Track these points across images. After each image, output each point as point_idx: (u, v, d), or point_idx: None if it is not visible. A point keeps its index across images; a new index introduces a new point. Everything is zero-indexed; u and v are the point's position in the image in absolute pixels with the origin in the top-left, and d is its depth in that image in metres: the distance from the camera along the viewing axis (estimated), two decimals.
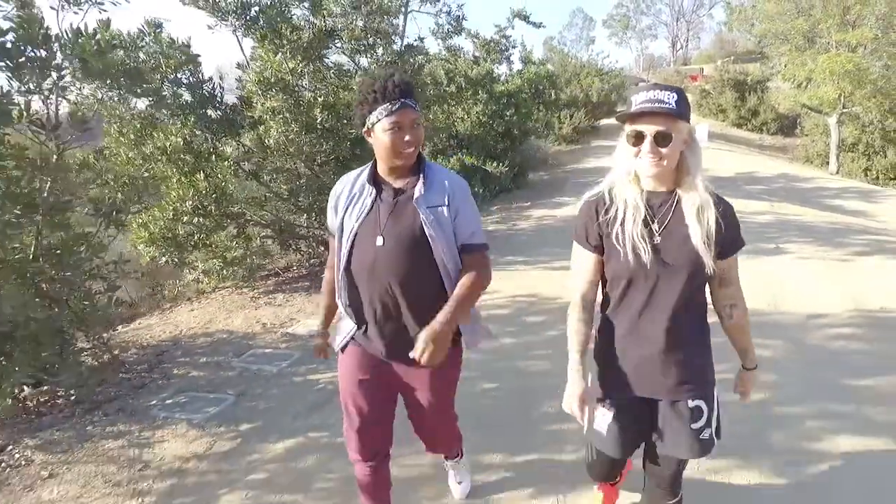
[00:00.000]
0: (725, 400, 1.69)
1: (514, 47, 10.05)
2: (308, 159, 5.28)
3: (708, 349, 1.60)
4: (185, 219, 4.78)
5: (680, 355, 1.53)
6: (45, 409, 3.06)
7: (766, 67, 24.11)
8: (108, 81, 2.79)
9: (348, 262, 1.71)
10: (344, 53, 5.25)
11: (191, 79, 4.95)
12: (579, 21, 53.90)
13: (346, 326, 1.79)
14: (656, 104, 1.40)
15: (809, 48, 15.99)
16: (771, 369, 3.27)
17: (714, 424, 1.60)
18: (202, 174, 4.58)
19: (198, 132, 4.86)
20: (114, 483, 2.47)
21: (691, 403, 1.56)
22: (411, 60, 5.45)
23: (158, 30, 3.65)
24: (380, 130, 1.60)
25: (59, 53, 2.52)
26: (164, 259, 4.81)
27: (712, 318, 1.61)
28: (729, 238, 1.49)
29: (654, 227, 1.49)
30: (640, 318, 1.53)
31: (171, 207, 4.65)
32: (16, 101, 2.43)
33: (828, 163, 17.81)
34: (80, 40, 2.50)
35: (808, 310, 4.32)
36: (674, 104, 1.40)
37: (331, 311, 1.94)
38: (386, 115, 1.58)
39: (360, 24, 5.09)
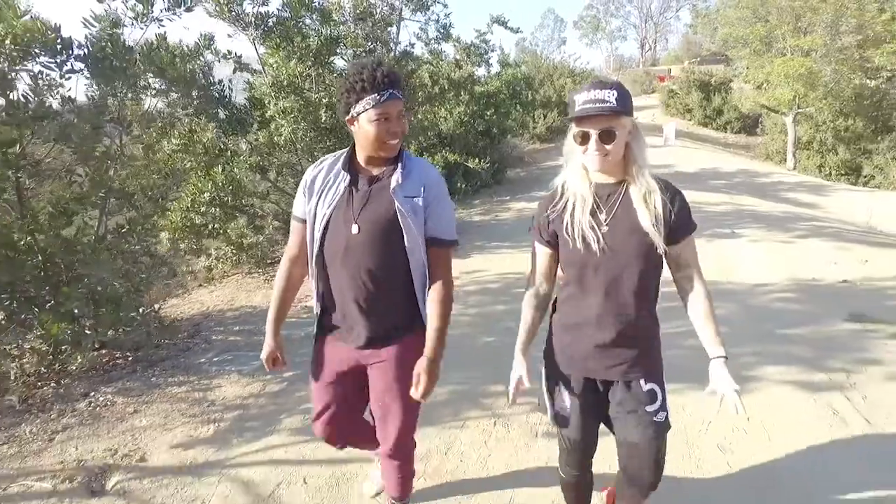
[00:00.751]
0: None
1: (492, 51, 10.73)
2: (312, 155, 5.86)
3: (657, 332, 1.67)
4: (203, 209, 5.31)
5: (632, 340, 1.59)
6: (110, 367, 3.60)
7: (729, 69, 25.46)
8: (179, 86, 3.33)
9: (321, 248, 1.71)
10: (344, 59, 5.84)
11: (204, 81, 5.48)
12: (550, 22, 55.41)
13: (316, 315, 1.82)
14: (598, 104, 1.45)
15: (767, 52, 17.21)
16: (723, 323, 4.02)
17: (667, 409, 1.65)
18: (220, 168, 5.11)
19: (213, 130, 5.40)
20: (189, 415, 3.04)
21: (646, 386, 1.62)
22: (405, 65, 6.09)
23: (211, 42, 4.19)
24: (365, 120, 1.58)
25: (139, 63, 3.06)
26: (182, 245, 5.33)
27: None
28: (679, 221, 1.54)
29: (602, 216, 1.55)
30: (593, 304, 1.59)
31: (189, 198, 5.18)
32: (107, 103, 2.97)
33: (786, 160, 19.11)
34: (152, 53, 3.05)
35: (755, 280, 5.12)
36: (614, 101, 1.46)
37: (282, 312, 1.86)
38: (373, 106, 1.56)
39: (361, 32, 5.72)
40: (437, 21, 6.73)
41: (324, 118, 5.68)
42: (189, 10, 3.43)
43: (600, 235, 1.53)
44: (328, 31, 5.18)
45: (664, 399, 1.64)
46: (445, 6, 6.88)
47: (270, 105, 5.36)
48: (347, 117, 1.63)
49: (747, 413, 2.75)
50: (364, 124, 1.59)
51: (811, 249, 6.23)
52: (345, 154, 1.73)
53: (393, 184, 1.64)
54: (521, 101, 11.54)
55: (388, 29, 5.96)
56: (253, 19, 4.85)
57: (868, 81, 17.52)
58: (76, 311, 2.96)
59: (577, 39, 72.68)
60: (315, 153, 5.90)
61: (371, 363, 1.77)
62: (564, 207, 1.59)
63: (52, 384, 3.33)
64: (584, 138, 1.51)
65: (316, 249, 1.71)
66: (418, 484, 2.34)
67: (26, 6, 2.68)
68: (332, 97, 5.76)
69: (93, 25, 2.97)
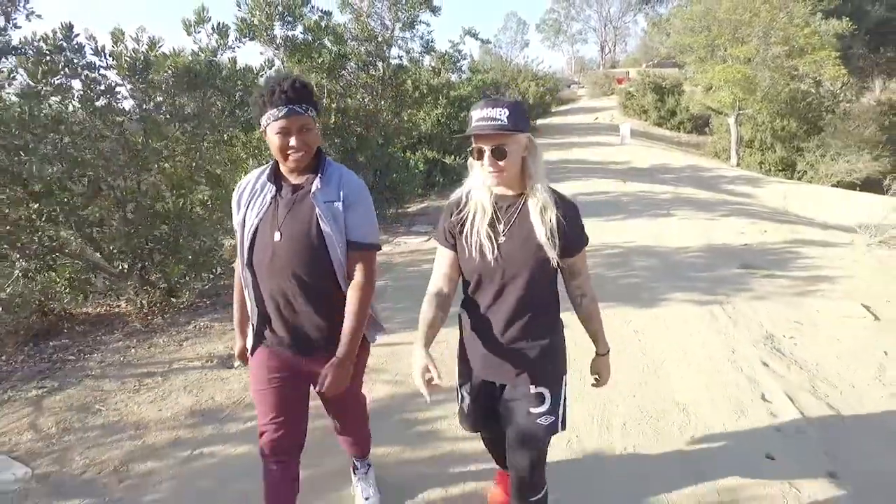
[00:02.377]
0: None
1: (464, 59, 12.24)
2: (328, 148, 7.20)
3: (556, 341, 1.75)
4: None
5: (525, 346, 1.68)
6: (199, 306, 4.87)
7: (682, 73, 27.78)
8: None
9: (249, 257, 1.78)
10: (350, 72, 7.20)
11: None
12: (513, 24, 57.44)
13: (251, 325, 1.88)
14: (489, 122, 1.53)
15: (710, 58, 19.32)
16: (648, 271, 5.59)
17: (560, 414, 1.74)
18: (254, 161, 6.40)
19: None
20: None
21: (533, 390, 1.69)
22: (399, 77, 7.51)
23: (272, 63, 5.49)
24: (270, 133, 1.68)
25: (230, 80, 4.39)
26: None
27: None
28: (572, 236, 1.64)
29: (500, 227, 1.64)
30: (489, 311, 1.68)
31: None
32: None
33: (730, 157, 21.32)
34: (237, 72, 4.36)
35: (678, 245, 6.73)
36: (505, 120, 1.53)
37: (244, 315, 1.95)
38: (274, 120, 1.65)
39: (364, 50, 7.08)
40: (422, 38, 8.14)
41: (332, 120, 7.02)
42: (252, 40, 4.73)
43: (496, 245, 1.62)
44: (338, 49, 6.53)
45: (554, 405, 1.71)
46: (428, 24, 8.32)
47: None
48: (261, 129, 1.73)
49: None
50: (270, 136, 1.69)
51: (727, 224, 7.94)
52: (270, 166, 1.82)
53: (313, 189, 1.72)
54: None
55: (386, 48, 7.35)
56: (282, 41, 6.14)
57: (800, 85, 19.86)
58: (187, 260, 4.25)
59: (539, 42, 75.38)
60: (324, 150, 7.23)
61: (310, 366, 1.84)
62: (466, 216, 1.68)
63: (160, 317, 4.60)
64: (479, 154, 1.60)
65: (245, 259, 1.78)
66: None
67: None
68: (339, 103, 7.13)
69: (197, 55, 4.25)
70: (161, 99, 4.06)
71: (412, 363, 1.54)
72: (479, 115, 1.56)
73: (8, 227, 3.92)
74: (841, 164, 19.30)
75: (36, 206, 4.20)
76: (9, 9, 4.03)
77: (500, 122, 1.53)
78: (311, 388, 1.92)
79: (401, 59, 8.13)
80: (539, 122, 23.97)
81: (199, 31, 4.64)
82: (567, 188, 10.99)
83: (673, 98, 28.19)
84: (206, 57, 4.32)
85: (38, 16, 4.22)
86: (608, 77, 39.21)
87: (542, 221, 1.60)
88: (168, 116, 4.01)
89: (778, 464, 2.59)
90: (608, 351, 1.87)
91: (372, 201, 1.86)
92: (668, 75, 29.12)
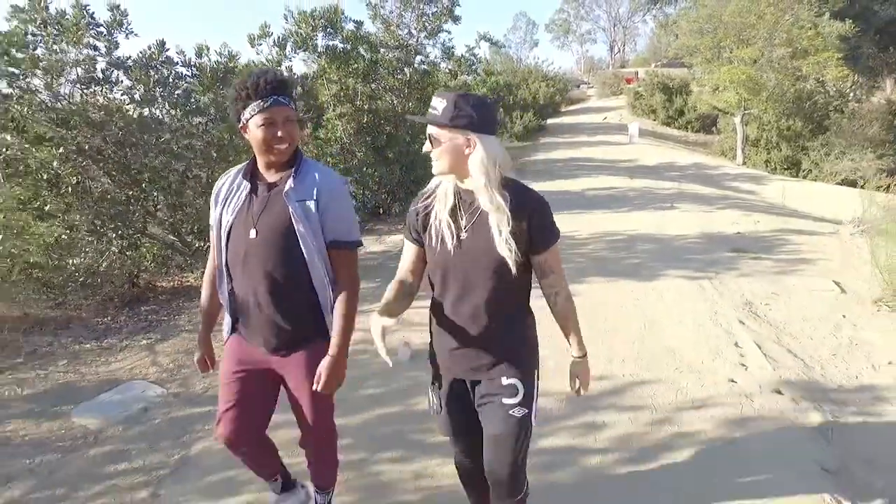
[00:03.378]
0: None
1: (479, 62, 13.07)
2: (356, 146, 8.06)
3: (526, 335, 1.75)
4: None
5: (493, 341, 1.67)
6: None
7: (689, 73, 28.47)
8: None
9: (225, 255, 1.81)
10: (382, 79, 8.06)
11: None
12: (522, 24, 58.27)
13: (227, 318, 1.92)
14: (430, 111, 1.58)
15: (716, 59, 20.05)
16: (649, 255, 6.40)
17: (532, 407, 1.71)
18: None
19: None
20: None
21: (505, 381, 1.68)
22: (425, 80, 8.38)
23: (325, 73, 6.33)
24: (253, 126, 1.69)
25: (290, 87, 5.24)
26: None
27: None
28: (538, 234, 1.63)
29: (463, 222, 1.63)
30: (454, 307, 1.67)
31: None
32: None
33: (737, 156, 22.02)
34: (294, 80, 5.21)
35: (677, 233, 7.53)
36: (439, 111, 1.55)
37: (210, 316, 2.00)
38: (258, 112, 1.67)
39: (394, 57, 7.93)
40: (443, 44, 9.01)
41: (364, 119, 7.88)
42: (305, 51, 5.57)
43: (457, 237, 1.61)
44: (371, 56, 7.38)
45: (527, 397, 1.68)
46: (449, 32, 9.17)
47: (329, 110, 7.53)
48: (240, 125, 1.73)
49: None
50: (252, 130, 1.70)
51: (723, 215, 8.73)
52: (247, 164, 1.84)
53: (286, 188, 1.73)
54: (503, 104, 13.87)
55: (414, 55, 8.21)
56: (323, 50, 7.00)
57: (805, 85, 20.53)
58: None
59: (548, 42, 76.07)
60: (354, 147, 8.10)
61: (281, 366, 1.87)
62: (431, 204, 1.68)
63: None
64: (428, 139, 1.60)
65: (222, 256, 1.82)
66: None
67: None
68: (371, 104, 7.99)
69: (265, 64, 5.11)
70: None
71: (370, 329, 1.51)
72: (431, 104, 1.60)
73: (117, 209, 4.80)
74: (845, 163, 19.95)
75: (130, 192, 5.09)
76: (113, 29, 4.91)
77: (432, 114, 1.57)
78: (283, 389, 1.95)
79: (423, 65, 8.98)
80: (549, 121, 24.77)
81: (261, 44, 5.52)
82: (577, 184, 11.83)
83: (681, 98, 28.85)
84: (272, 66, 5.19)
85: (136, 34, 5.10)
86: (617, 77, 39.84)
87: (497, 226, 1.58)
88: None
89: (739, 385, 3.40)
90: (585, 354, 1.78)
91: (350, 198, 1.88)
92: (676, 75, 29.77)
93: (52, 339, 4.53)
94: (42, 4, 4.67)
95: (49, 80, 4.27)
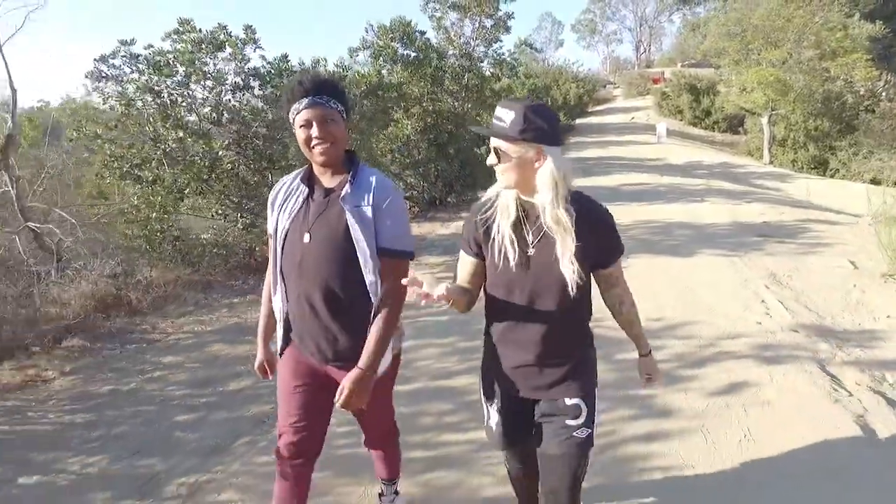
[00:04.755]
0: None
1: (520, 66, 14.15)
2: (420, 143, 9.20)
3: (588, 354, 1.74)
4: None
5: (557, 359, 1.66)
6: None
7: (716, 73, 29.14)
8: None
9: (280, 260, 1.82)
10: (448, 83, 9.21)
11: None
12: (548, 25, 59.09)
13: (280, 327, 1.91)
14: (495, 123, 1.53)
15: (745, 61, 20.83)
16: (683, 240, 7.41)
17: (594, 427, 1.69)
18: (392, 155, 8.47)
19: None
20: None
21: (569, 402, 1.67)
22: (487, 83, 9.58)
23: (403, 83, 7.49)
24: (295, 128, 1.73)
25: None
26: None
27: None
28: (605, 250, 1.63)
29: (529, 237, 1.60)
30: (517, 324, 1.65)
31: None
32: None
33: (763, 155, 22.74)
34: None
35: (709, 221, 8.51)
36: (507, 124, 1.49)
37: (269, 324, 1.99)
38: (296, 113, 1.70)
39: (456, 63, 9.07)
40: (495, 52, 10.15)
41: (429, 120, 9.01)
42: (376, 59, 6.69)
43: (521, 253, 1.59)
44: (439, 64, 8.51)
45: (591, 416, 1.68)
46: (501, 41, 10.29)
47: (399, 111, 8.66)
48: (293, 130, 1.77)
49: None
50: (295, 132, 1.74)
51: (750, 208, 9.68)
52: (305, 168, 1.85)
53: (343, 193, 1.74)
54: None
55: (480, 63, 9.38)
56: (399, 57, 8.14)
57: (833, 86, 21.17)
58: None
59: (574, 42, 76.75)
60: (420, 143, 9.22)
61: (337, 375, 1.82)
62: (491, 217, 1.64)
63: None
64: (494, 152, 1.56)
65: (278, 262, 1.82)
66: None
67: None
68: (434, 105, 9.11)
69: (369, 74, 6.29)
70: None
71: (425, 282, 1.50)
72: (495, 113, 1.56)
73: (250, 191, 5.99)
74: (873, 162, 20.53)
75: (257, 178, 6.28)
76: (246, 44, 6.10)
77: (500, 126, 1.52)
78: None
79: (482, 71, 10.11)
80: (578, 121, 25.71)
81: (358, 55, 6.66)
82: (611, 180, 12.85)
83: (708, 98, 29.49)
84: (374, 75, 6.32)
85: (262, 48, 6.28)
86: (643, 77, 40.38)
87: (561, 246, 1.55)
88: (357, 117, 6.04)
89: (764, 326, 4.41)
90: (650, 351, 1.84)
91: (405, 207, 1.87)
92: (702, 76, 30.40)
93: (204, 295, 5.72)
94: (192, 26, 5.88)
95: (213, 87, 5.46)
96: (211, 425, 3.29)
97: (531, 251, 1.59)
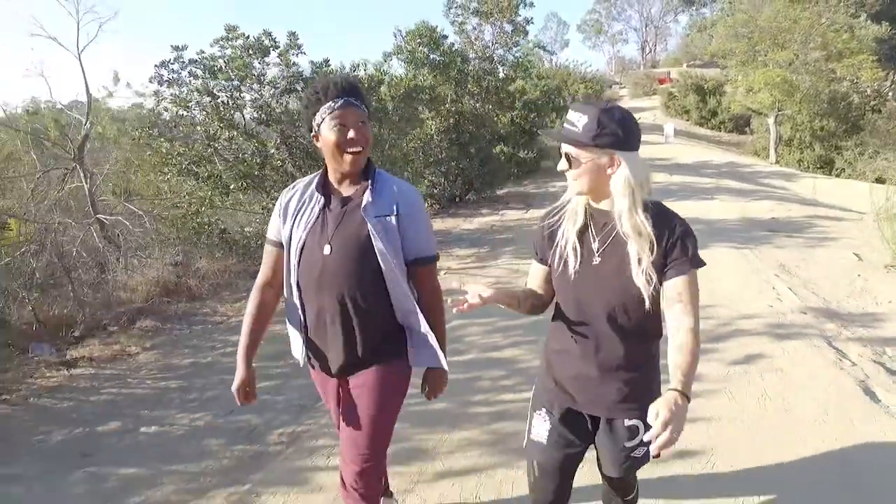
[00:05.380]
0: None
1: (532, 67, 14.60)
2: (443, 142, 9.68)
3: (654, 370, 1.64)
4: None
5: (620, 375, 1.58)
6: None
7: (723, 74, 29.55)
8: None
9: (297, 274, 1.74)
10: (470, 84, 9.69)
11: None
12: (553, 25, 59.52)
13: (297, 343, 1.86)
14: (567, 127, 1.47)
15: (752, 62, 21.25)
16: (699, 231, 7.85)
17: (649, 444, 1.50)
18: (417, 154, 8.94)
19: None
20: None
21: (628, 423, 1.61)
22: (506, 85, 10.04)
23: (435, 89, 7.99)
24: (325, 130, 1.64)
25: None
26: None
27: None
28: (679, 262, 1.48)
29: (595, 245, 1.54)
30: (578, 334, 1.58)
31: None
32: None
33: (769, 155, 23.15)
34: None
35: (720, 217, 8.98)
36: (579, 129, 1.44)
37: (254, 341, 1.85)
38: (329, 114, 1.62)
39: (480, 66, 9.55)
40: (513, 56, 10.62)
41: (451, 120, 9.48)
42: (410, 63, 7.17)
43: (581, 259, 1.54)
44: (462, 67, 8.99)
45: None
46: (518, 45, 10.77)
47: (425, 111, 9.14)
48: (312, 134, 1.70)
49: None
50: (325, 134, 1.64)
51: (759, 205, 10.15)
52: (318, 176, 1.77)
53: (364, 202, 1.68)
54: (554, 107, 15.35)
55: (500, 67, 9.86)
56: (427, 62, 8.63)
57: (839, 87, 21.57)
58: None
59: (579, 42, 77.11)
60: (442, 143, 9.70)
61: (353, 389, 1.78)
62: (557, 223, 1.61)
63: None
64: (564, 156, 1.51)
65: (294, 276, 1.74)
66: None
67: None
68: (458, 107, 9.58)
69: (403, 79, 6.77)
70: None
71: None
72: (567, 117, 1.49)
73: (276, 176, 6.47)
74: (879, 162, 20.91)
75: (302, 174, 6.75)
76: (292, 49, 6.58)
77: (571, 131, 1.46)
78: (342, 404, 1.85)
79: (502, 73, 10.60)
80: None
81: (391, 60, 7.14)
82: None
83: (714, 98, 29.89)
84: (411, 79, 6.80)
85: (304, 52, 6.76)
86: (649, 77, 40.76)
87: (636, 255, 1.47)
88: (396, 118, 6.52)
89: (775, 308, 4.88)
90: (688, 397, 1.32)
91: (426, 211, 1.86)
92: (709, 76, 30.80)
93: (253, 283, 6.20)
94: (239, 33, 6.36)
95: (266, 90, 5.94)
96: (293, 389, 3.77)
97: (597, 259, 1.54)
